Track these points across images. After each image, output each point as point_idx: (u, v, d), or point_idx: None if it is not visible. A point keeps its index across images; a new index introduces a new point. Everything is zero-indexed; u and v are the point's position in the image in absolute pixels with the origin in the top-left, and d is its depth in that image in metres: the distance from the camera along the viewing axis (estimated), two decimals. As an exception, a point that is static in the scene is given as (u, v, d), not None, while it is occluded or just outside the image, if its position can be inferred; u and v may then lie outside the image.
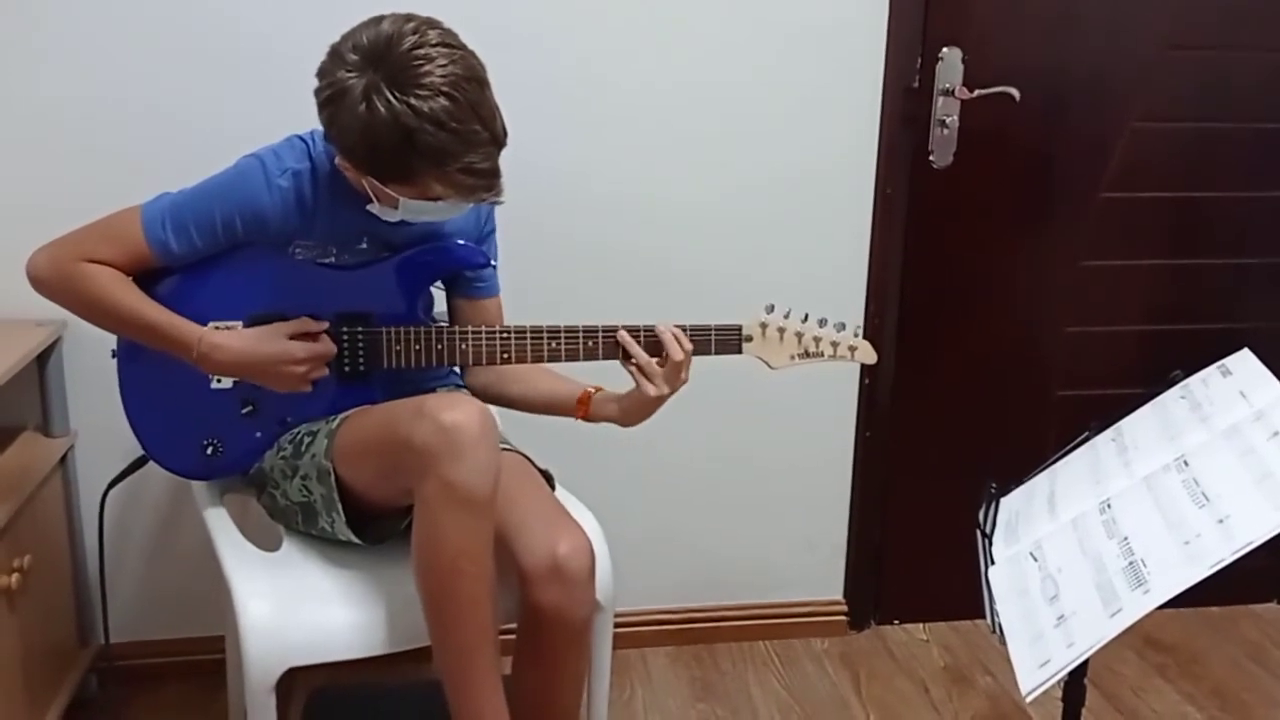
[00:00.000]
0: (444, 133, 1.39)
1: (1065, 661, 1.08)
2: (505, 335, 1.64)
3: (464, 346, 1.64)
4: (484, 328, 1.65)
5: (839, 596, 2.48)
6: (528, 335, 1.64)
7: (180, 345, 1.57)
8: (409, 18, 1.44)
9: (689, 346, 1.61)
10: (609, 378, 1.68)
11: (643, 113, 2.13)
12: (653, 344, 1.62)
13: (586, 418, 1.69)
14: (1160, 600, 1.05)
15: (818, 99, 2.18)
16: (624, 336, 1.61)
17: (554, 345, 1.63)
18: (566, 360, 1.64)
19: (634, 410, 1.64)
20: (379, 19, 1.44)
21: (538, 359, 1.64)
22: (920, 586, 2.48)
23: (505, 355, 1.64)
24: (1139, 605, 1.06)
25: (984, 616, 1.27)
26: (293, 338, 1.58)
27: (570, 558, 1.52)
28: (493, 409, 1.80)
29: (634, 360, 1.60)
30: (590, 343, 1.63)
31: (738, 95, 2.15)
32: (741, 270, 2.21)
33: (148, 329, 1.57)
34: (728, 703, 2.23)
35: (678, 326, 1.62)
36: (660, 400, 1.61)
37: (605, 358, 1.64)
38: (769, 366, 1.67)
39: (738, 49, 2.13)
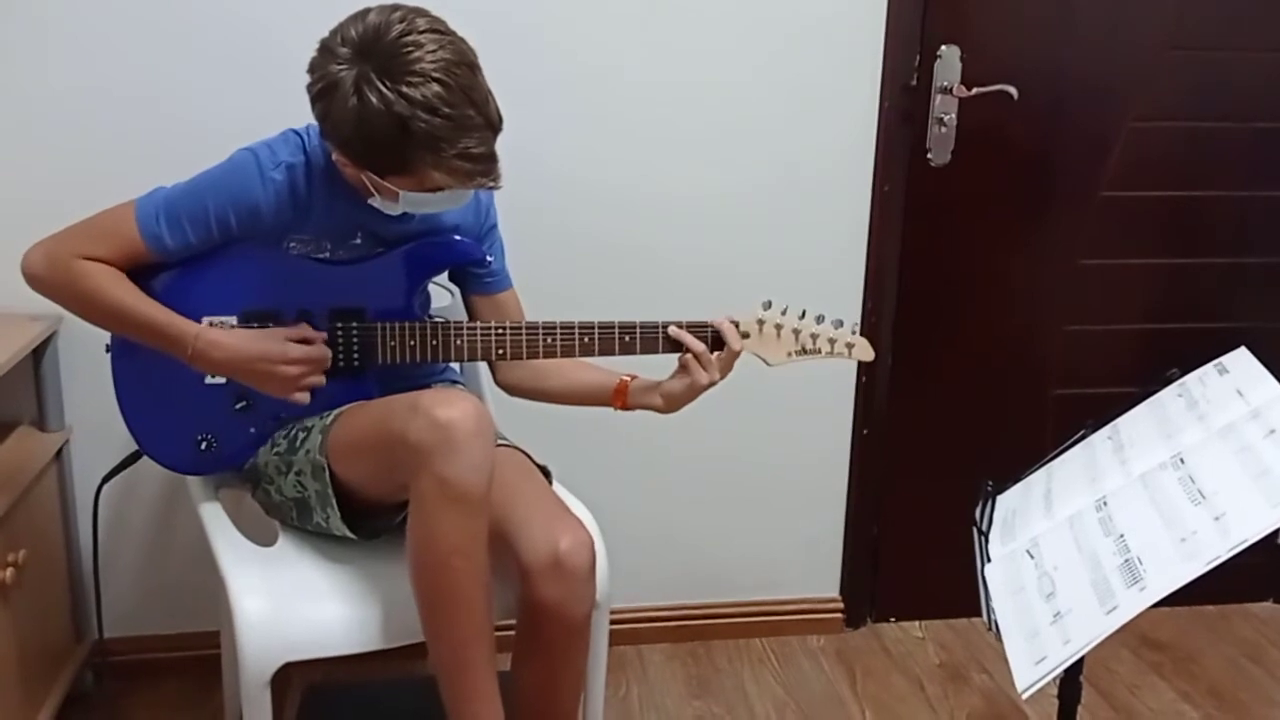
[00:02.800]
0: (437, 118, 1.39)
1: (1061, 659, 1.08)
2: (500, 331, 1.64)
3: (459, 342, 1.64)
4: (479, 323, 1.65)
5: (835, 594, 2.48)
6: (523, 331, 1.63)
7: (175, 343, 1.56)
8: (395, 7, 1.43)
9: (741, 344, 1.63)
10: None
11: (641, 109, 2.13)
12: (667, 341, 1.62)
13: (625, 407, 1.69)
14: (1156, 597, 1.05)
15: (816, 96, 2.17)
16: (676, 331, 1.62)
17: (549, 341, 1.63)
18: (563, 355, 1.64)
19: (679, 396, 1.64)
20: (365, 11, 1.43)
21: (533, 355, 1.64)
22: (916, 584, 2.48)
23: (500, 351, 1.64)
24: (1135, 602, 1.06)
25: (980, 614, 1.27)
26: (288, 340, 1.58)
27: (572, 553, 1.51)
28: (493, 403, 1.81)
29: (690, 350, 1.61)
30: (586, 338, 1.63)
31: (736, 92, 2.15)
32: (739, 266, 2.21)
33: (143, 326, 1.56)
34: (723, 700, 2.23)
35: (675, 324, 1.63)
36: (711, 387, 1.63)
37: (601, 353, 1.64)
38: (766, 363, 1.67)
39: (737, 46, 2.12)
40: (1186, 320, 2.42)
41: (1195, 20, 2.26)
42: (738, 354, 1.63)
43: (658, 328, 1.63)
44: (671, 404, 1.65)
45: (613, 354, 1.64)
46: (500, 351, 1.64)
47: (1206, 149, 2.34)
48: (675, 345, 1.63)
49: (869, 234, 2.27)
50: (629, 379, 1.68)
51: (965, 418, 2.41)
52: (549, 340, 1.63)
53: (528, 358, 1.65)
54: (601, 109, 2.12)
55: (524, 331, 1.63)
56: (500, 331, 1.64)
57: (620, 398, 1.68)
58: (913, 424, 2.40)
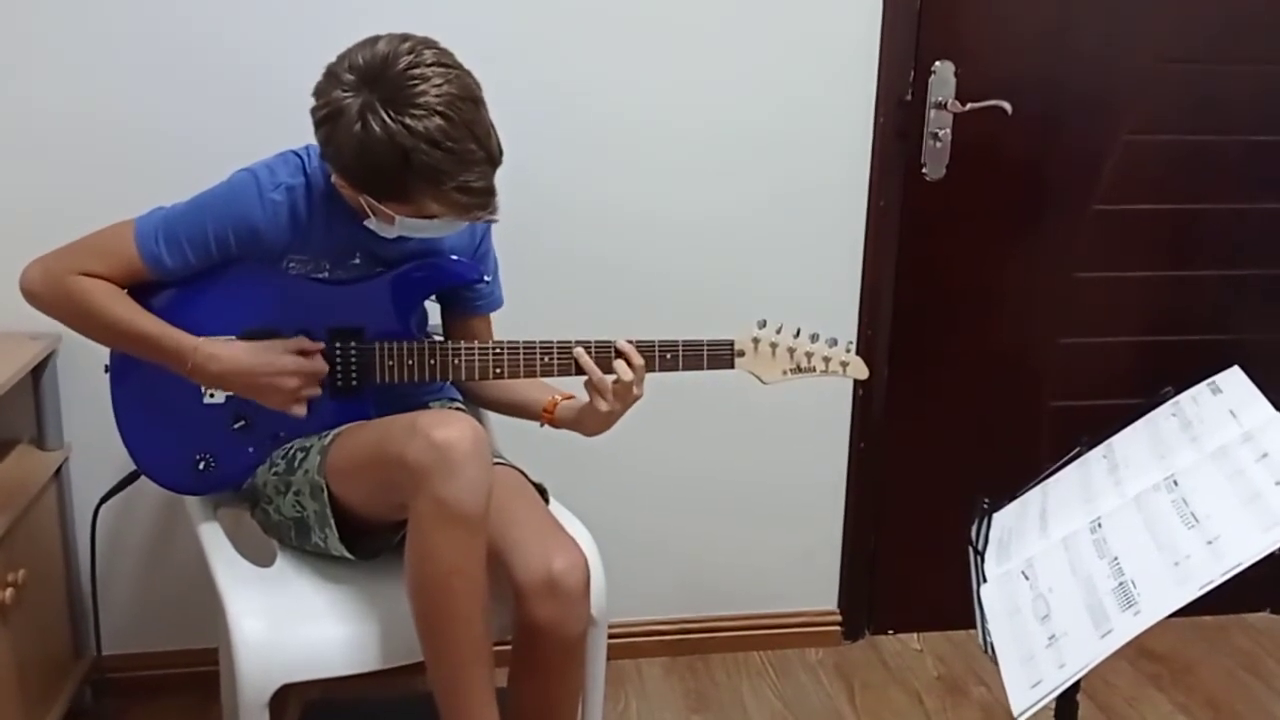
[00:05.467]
0: (439, 152, 1.40)
1: (1057, 682, 1.08)
2: (498, 351, 1.64)
3: (456, 362, 1.64)
4: (476, 343, 1.65)
5: (833, 607, 2.48)
6: (520, 350, 1.64)
7: (175, 357, 1.56)
8: (405, 37, 1.44)
9: (639, 362, 1.61)
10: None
11: (637, 127, 2.13)
12: (649, 359, 1.62)
13: (552, 424, 1.71)
14: (1150, 623, 1.06)
15: (811, 112, 2.18)
16: (579, 353, 1.62)
17: (546, 360, 1.64)
18: (560, 375, 1.65)
19: (589, 421, 1.65)
20: (375, 39, 1.44)
21: (530, 374, 1.65)
22: (914, 596, 2.48)
23: (498, 370, 1.65)
24: (1129, 626, 1.07)
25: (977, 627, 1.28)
26: (286, 353, 1.58)
27: (566, 573, 1.52)
28: (491, 422, 1.82)
29: (587, 377, 1.61)
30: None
31: (731, 109, 2.15)
32: (736, 282, 2.22)
33: (141, 341, 1.57)
34: (722, 713, 2.23)
35: (634, 342, 1.62)
36: (612, 416, 1.62)
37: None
38: (761, 382, 1.67)
39: (732, 64, 2.13)
40: (1181, 333, 2.43)
41: (1188, 34, 2.27)
42: (629, 384, 1.60)
43: (654, 347, 1.63)
44: (583, 426, 1.66)
45: (608, 372, 1.64)
46: (499, 371, 1.65)
47: (1200, 162, 2.35)
48: (672, 365, 1.63)
49: (865, 249, 2.27)
50: (559, 399, 1.70)
51: (961, 430, 2.42)
52: (546, 359, 1.64)
53: (525, 376, 1.66)
54: (598, 129, 2.12)
55: (521, 351, 1.64)
56: (498, 351, 1.64)
57: (548, 414, 1.70)
58: (909, 436, 2.41)
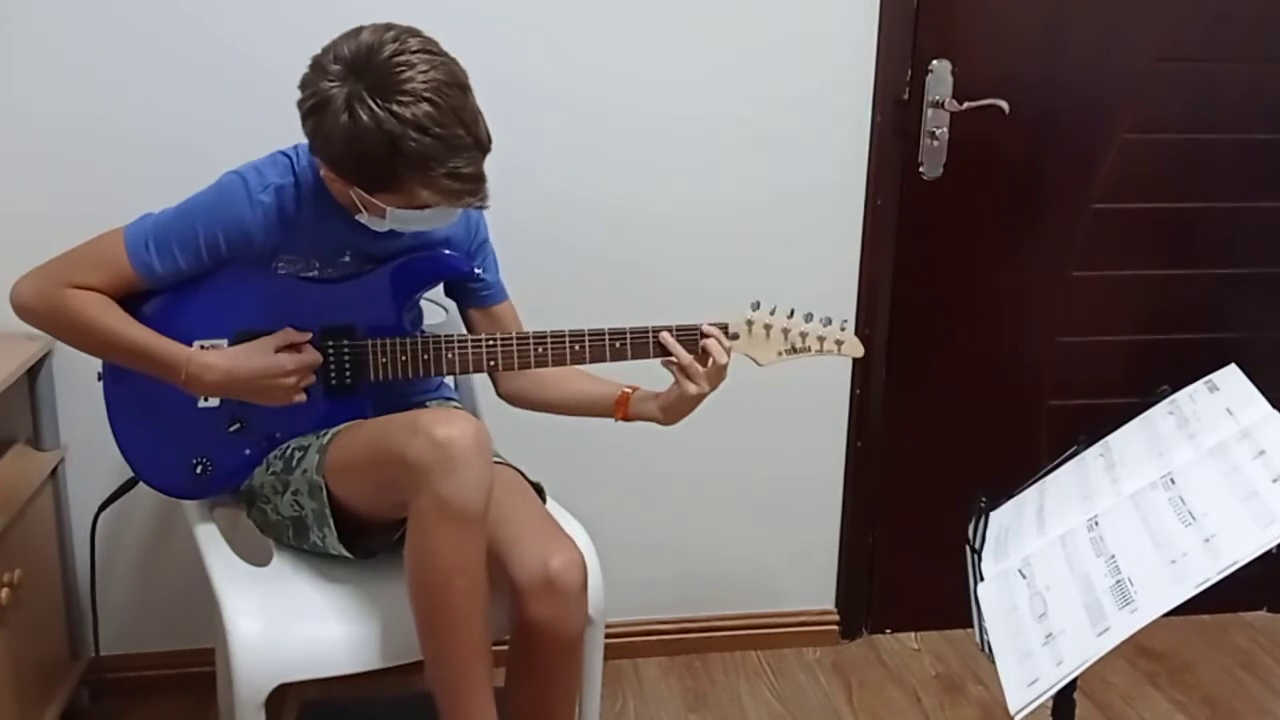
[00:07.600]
0: (427, 138, 1.40)
1: (1054, 680, 1.08)
2: (491, 343, 1.64)
3: (450, 355, 1.64)
4: (469, 336, 1.65)
5: (831, 606, 2.48)
6: (514, 341, 1.64)
7: (169, 368, 1.56)
8: (389, 27, 1.44)
9: (728, 344, 1.63)
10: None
11: (636, 125, 2.13)
12: (657, 346, 1.62)
13: (625, 418, 1.69)
14: (1147, 620, 1.06)
15: (809, 111, 2.18)
16: (666, 338, 1.62)
17: (540, 350, 1.63)
18: (554, 365, 1.65)
19: (674, 408, 1.64)
20: (359, 30, 1.44)
21: (524, 365, 1.65)
22: (912, 595, 2.48)
23: (492, 363, 1.64)
24: (1126, 624, 1.07)
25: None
26: (278, 350, 1.58)
27: (563, 572, 1.52)
28: (488, 420, 1.82)
29: (676, 360, 1.61)
30: (577, 346, 1.63)
31: (729, 107, 2.15)
32: (733, 280, 2.21)
33: (135, 352, 1.56)
34: (720, 713, 2.23)
35: (666, 328, 1.63)
36: (701, 398, 1.62)
37: (592, 360, 1.64)
38: (756, 364, 1.67)
39: (731, 63, 2.13)
40: (1179, 331, 2.43)
41: (1184, 32, 2.27)
42: (724, 366, 1.62)
43: (648, 333, 1.63)
44: (669, 415, 1.66)
45: (604, 360, 1.64)
46: (492, 363, 1.65)
47: (1197, 160, 2.35)
48: (666, 350, 1.63)
49: (862, 247, 2.27)
50: (630, 390, 1.69)
51: (959, 429, 2.42)
52: (540, 349, 1.63)
53: (519, 368, 1.66)
54: (597, 127, 2.12)
55: (514, 341, 1.64)
56: (491, 343, 1.64)
57: (621, 408, 1.68)
58: (907, 435, 2.41)
